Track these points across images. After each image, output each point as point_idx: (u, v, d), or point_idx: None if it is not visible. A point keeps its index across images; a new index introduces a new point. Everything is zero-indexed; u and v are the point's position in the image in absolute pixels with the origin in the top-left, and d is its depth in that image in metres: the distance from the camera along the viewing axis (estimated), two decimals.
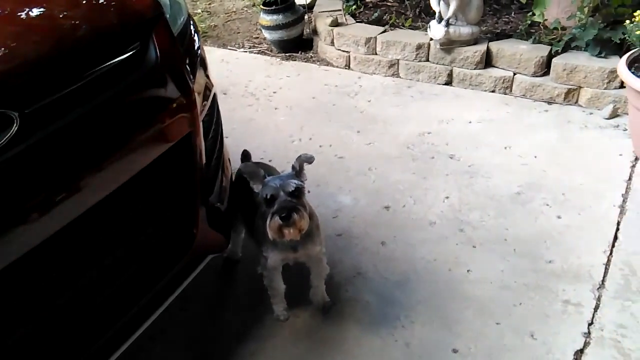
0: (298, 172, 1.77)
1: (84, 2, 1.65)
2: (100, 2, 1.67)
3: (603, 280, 2.12)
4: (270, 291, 2.01)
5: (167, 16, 1.72)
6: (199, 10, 5.36)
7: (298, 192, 1.70)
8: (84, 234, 1.48)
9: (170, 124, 1.60)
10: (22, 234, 1.24)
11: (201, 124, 1.75)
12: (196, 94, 1.71)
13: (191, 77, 1.73)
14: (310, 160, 1.78)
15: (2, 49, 1.30)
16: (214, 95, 2.03)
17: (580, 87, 3.25)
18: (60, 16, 1.53)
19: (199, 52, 1.96)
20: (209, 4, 5.55)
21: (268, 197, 1.70)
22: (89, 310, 1.52)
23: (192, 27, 1.99)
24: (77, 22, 1.52)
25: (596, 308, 2.01)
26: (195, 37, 1.99)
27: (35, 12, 1.50)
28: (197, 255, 1.81)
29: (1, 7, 1.46)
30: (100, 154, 1.40)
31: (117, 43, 1.51)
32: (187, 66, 1.73)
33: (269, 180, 1.74)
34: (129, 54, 1.52)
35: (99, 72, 1.43)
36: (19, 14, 1.47)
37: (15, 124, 1.19)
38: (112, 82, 1.45)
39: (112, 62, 1.47)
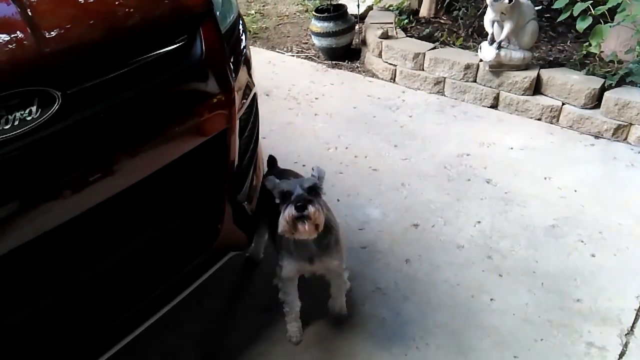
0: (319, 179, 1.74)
1: None
2: None
3: (632, 327, 2.03)
4: (285, 307, 1.97)
5: (217, 13, 1.75)
6: (253, 12, 5.45)
7: (315, 190, 1.67)
8: (110, 217, 1.52)
9: (207, 119, 1.62)
10: (52, 209, 1.27)
11: (238, 122, 1.77)
12: (236, 92, 1.74)
13: (233, 75, 1.74)
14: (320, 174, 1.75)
15: (56, 29, 1.34)
16: (254, 95, 2.05)
17: (631, 124, 3.14)
18: (116, 3, 1.57)
19: (244, 51, 1.98)
20: (263, 6, 5.64)
21: (284, 191, 1.67)
22: (109, 290, 1.56)
23: (240, 26, 2.01)
24: (130, 11, 1.55)
25: (622, 354, 1.93)
26: (243, 37, 2.00)
27: None
28: (219, 250, 1.83)
29: None
30: (136, 140, 1.43)
31: (166, 34, 1.54)
32: (230, 64, 1.75)
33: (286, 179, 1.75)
34: (175, 46, 1.54)
35: (144, 61, 1.45)
36: None
37: (57, 103, 1.23)
38: (156, 71, 1.47)
39: (158, 52, 1.49)
